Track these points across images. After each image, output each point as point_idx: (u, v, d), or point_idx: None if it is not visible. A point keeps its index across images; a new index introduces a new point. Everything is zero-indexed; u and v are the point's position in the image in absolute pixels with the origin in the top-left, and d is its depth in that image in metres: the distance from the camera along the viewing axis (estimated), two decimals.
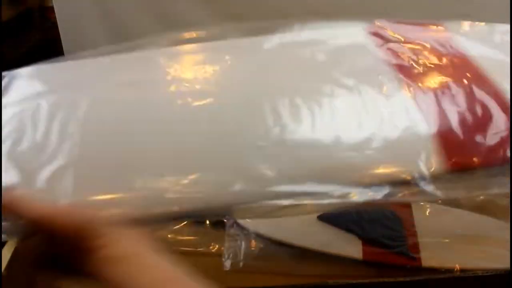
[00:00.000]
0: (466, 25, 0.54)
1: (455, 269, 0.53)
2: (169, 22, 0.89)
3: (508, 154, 0.38)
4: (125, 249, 0.30)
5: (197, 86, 0.43)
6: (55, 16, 0.87)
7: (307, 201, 0.35)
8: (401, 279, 0.52)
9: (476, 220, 0.60)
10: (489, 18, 0.88)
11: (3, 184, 0.36)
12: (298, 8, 0.87)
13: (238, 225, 0.60)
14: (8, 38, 1.12)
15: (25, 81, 0.46)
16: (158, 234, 0.54)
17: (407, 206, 0.63)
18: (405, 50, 0.47)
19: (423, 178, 0.35)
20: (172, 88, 0.43)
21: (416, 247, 0.57)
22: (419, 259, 0.56)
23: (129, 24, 0.89)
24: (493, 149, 0.38)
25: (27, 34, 1.25)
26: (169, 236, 0.59)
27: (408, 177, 0.35)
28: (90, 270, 0.29)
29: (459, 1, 0.86)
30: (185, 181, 0.35)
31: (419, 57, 0.46)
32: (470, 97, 0.41)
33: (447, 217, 0.62)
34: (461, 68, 0.46)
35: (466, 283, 0.53)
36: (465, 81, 0.43)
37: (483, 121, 0.39)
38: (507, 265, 0.53)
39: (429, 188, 0.35)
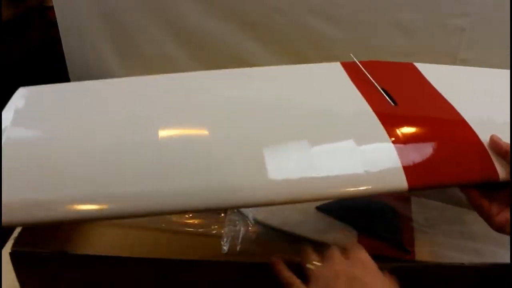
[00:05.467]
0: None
1: (449, 264, 0.53)
2: (169, 22, 0.89)
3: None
4: None
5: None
6: (55, 16, 0.87)
7: None
8: (395, 264, 0.52)
9: (474, 217, 0.60)
10: (489, 18, 0.88)
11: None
12: (296, 7, 0.86)
13: (238, 211, 0.62)
14: (8, 38, 1.12)
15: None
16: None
17: (407, 201, 0.64)
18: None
19: None
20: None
21: (411, 241, 0.58)
22: (413, 253, 0.57)
23: (129, 24, 0.89)
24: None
25: (27, 34, 1.25)
26: (173, 218, 0.62)
27: None
28: None
29: (459, 1, 0.86)
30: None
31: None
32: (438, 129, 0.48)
33: (446, 214, 0.63)
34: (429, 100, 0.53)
35: (462, 275, 0.52)
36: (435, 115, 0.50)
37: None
38: (503, 261, 0.53)
39: None
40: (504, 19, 0.85)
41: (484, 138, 0.46)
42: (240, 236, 0.59)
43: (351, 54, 0.58)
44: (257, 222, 0.61)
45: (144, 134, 0.46)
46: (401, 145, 0.45)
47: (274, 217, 0.61)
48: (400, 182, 0.42)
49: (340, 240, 0.58)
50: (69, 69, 0.94)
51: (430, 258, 0.56)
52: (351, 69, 0.57)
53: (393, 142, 0.45)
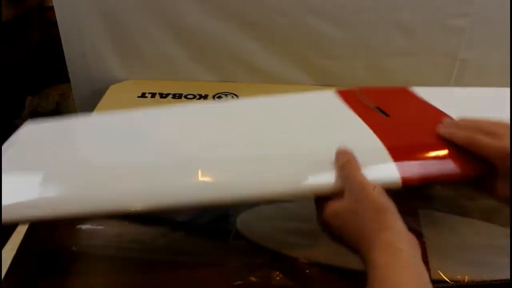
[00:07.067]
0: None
1: (464, 281, 0.52)
2: (169, 22, 0.89)
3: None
4: None
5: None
6: (55, 16, 0.87)
7: None
8: None
9: (485, 229, 0.59)
10: (489, 18, 0.88)
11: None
12: (296, 7, 0.87)
13: (242, 236, 0.58)
14: (8, 38, 1.12)
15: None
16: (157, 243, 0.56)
17: (415, 215, 0.62)
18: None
19: None
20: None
21: (425, 258, 0.56)
22: (429, 272, 0.54)
23: (129, 24, 0.89)
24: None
25: (27, 34, 1.25)
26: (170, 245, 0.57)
27: None
28: None
29: (459, 1, 0.86)
30: None
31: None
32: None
33: (455, 225, 0.61)
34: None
35: None
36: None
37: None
38: None
39: None
40: (504, 19, 0.85)
41: None
42: (246, 262, 0.55)
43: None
44: (261, 247, 0.58)
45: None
46: (394, 147, 0.46)
47: (279, 241, 0.58)
48: (393, 174, 0.44)
49: (352, 263, 0.55)
50: (69, 69, 0.94)
51: (448, 276, 0.54)
52: (344, 95, 0.61)
53: (385, 145, 0.47)
